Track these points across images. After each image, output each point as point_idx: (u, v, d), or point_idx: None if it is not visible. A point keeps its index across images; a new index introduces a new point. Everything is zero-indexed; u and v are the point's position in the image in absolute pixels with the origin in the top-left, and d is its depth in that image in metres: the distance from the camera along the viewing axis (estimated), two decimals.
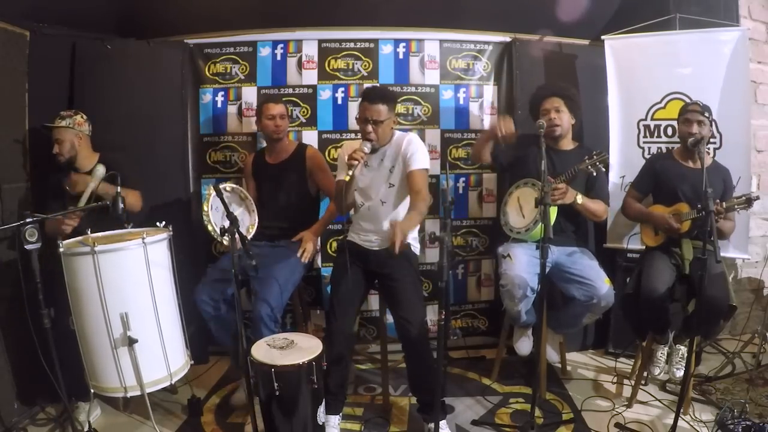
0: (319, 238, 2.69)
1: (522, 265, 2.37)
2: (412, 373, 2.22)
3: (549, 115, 2.51)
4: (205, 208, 2.23)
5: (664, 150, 2.81)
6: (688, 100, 2.77)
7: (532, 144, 2.58)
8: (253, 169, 2.74)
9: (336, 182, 2.41)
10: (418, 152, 2.25)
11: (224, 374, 2.82)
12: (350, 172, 2.17)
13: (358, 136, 2.91)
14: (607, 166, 2.43)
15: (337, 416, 2.24)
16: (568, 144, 2.61)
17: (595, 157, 2.33)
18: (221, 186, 2.16)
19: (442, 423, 2.15)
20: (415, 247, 2.40)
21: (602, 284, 2.35)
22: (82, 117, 2.42)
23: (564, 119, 2.53)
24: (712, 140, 2.66)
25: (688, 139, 2.38)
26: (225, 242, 2.15)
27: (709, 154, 2.61)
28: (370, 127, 2.22)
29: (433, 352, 2.15)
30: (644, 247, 2.58)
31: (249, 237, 2.43)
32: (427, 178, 2.29)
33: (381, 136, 2.25)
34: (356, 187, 2.38)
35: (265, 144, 2.79)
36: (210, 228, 2.24)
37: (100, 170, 2.28)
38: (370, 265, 2.32)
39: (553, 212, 2.42)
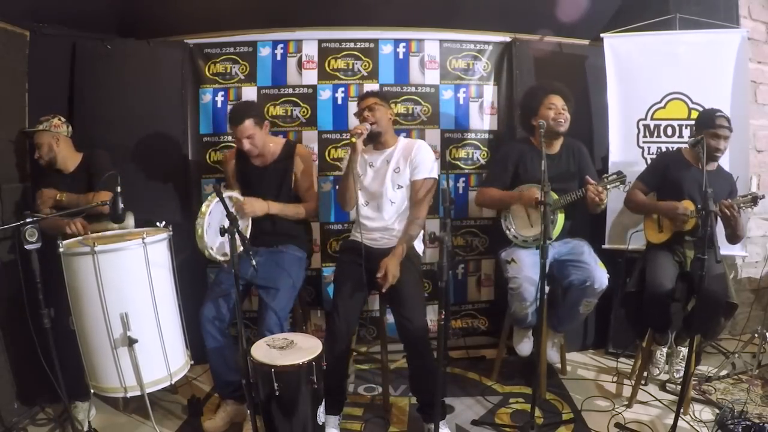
0: (268, 209, 2.39)
1: (529, 267, 2.38)
2: (413, 373, 2.23)
3: (557, 110, 2.46)
4: (200, 232, 2.05)
5: (664, 150, 2.81)
6: (688, 101, 2.78)
7: (522, 147, 2.62)
8: (237, 171, 2.54)
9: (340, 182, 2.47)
10: (426, 161, 2.37)
11: None
12: (354, 140, 2.24)
13: None
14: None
15: (337, 416, 2.24)
16: (557, 146, 2.57)
17: (616, 177, 2.35)
18: (224, 194, 2.00)
19: (442, 423, 2.15)
20: (418, 247, 2.43)
21: (596, 266, 2.39)
22: (59, 119, 2.43)
23: (568, 117, 2.48)
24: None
25: (715, 153, 2.38)
26: (221, 258, 2.16)
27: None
28: (366, 113, 2.36)
29: (433, 352, 2.15)
30: (645, 246, 2.58)
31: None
32: (432, 188, 2.41)
33: (379, 119, 2.35)
34: (361, 186, 2.42)
35: None
36: (207, 253, 2.10)
37: (130, 222, 2.34)
38: (374, 263, 2.31)
39: (561, 219, 2.44)
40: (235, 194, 2.34)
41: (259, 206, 2.36)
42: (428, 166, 2.37)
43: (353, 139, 2.25)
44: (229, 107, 2.86)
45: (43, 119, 2.40)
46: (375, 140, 2.42)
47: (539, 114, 2.49)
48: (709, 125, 2.36)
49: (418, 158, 2.36)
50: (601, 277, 2.37)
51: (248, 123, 2.34)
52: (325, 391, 2.03)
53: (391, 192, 2.39)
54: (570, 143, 2.60)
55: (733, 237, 2.37)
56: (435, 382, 1.92)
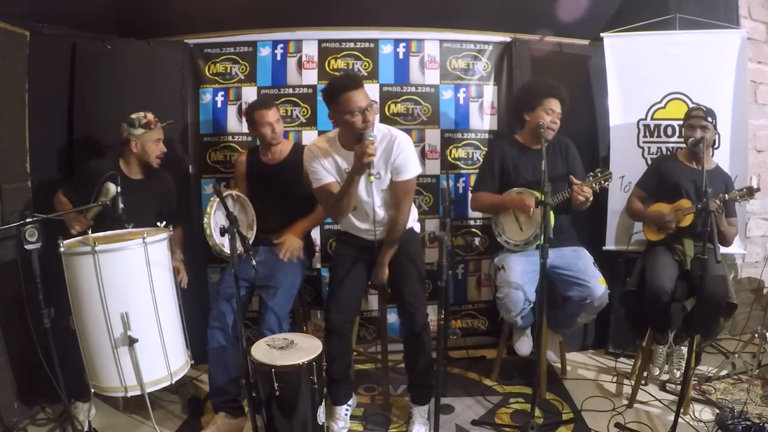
0: (305, 238, 2.56)
1: (516, 275, 2.37)
2: (411, 362, 2.24)
3: (554, 117, 2.45)
4: (208, 232, 2.16)
5: (664, 150, 2.82)
6: (688, 101, 2.79)
7: (505, 144, 2.61)
8: (248, 169, 2.60)
9: (323, 186, 2.13)
10: (410, 160, 2.08)
11: None
12: (372, 177, 1.97)
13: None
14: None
15: (344, 407, 2.24)
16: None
17: (599, 175, 2.35)
18: (224, 193, 2.09)
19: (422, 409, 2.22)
20: (416, 226, 2.37)
21: (597, 284, 2.35)
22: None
23: (558, 124, 2.48)
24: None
25: (693, 147, 2.39)
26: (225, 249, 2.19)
27: (711, 157, 2.62)
28: (368, 113, 1.96)
29: (433, 352, 2.15)
30: (645, 246, 2.58)
31: (252, 232, 2.44)
32: (414, 186, 2.20)
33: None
34: None
35: (258, 143, 2.66)
36: (217, 249, 2.21)
37: (112, 190, 2.27)
38: (373, 253, 2.24)
39: (552, 217, 2.39)
40: (235, 192, 2.39)
41: (296, 243, 2.46)
42: (412, 165, 2.10)
43: (371, 178, 1.97)
44: (244, 104, 2.91)
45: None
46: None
47: (535, 113, 2.47)
48: (685, 118, 2.48)
49: (400, 159, 2.06)
50: (602, 296, 2.34)
51: (275, 110, 2.51)
52: (328, 380, 2.03)
53: (379, 198, 2.15)
54: (558, 140, 2.58)
55: (721, 238, 2.33)
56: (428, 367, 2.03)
